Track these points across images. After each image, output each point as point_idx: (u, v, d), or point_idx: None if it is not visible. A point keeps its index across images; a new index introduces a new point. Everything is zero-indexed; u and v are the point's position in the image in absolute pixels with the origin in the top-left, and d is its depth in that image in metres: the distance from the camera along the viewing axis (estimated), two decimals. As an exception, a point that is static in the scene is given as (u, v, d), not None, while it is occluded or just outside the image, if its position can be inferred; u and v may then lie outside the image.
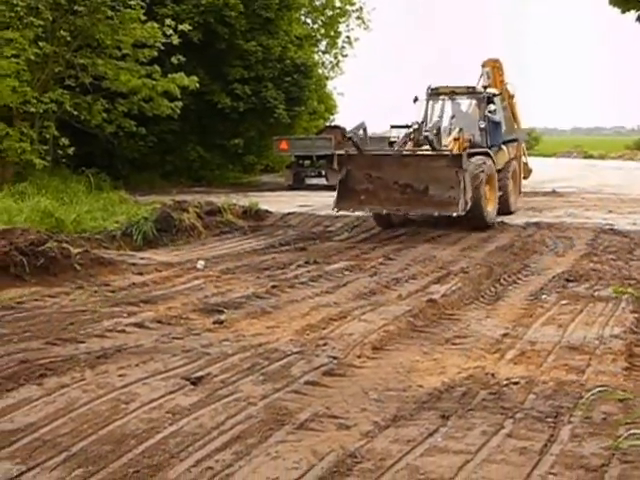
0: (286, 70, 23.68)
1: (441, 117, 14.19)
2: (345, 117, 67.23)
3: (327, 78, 31.98)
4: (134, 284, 8.38)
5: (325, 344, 5.89)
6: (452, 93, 14.36)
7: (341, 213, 13.08)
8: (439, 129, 13.43)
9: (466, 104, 14.83)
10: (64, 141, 16.68)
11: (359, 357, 5.58)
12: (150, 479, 3.62)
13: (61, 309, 7.05)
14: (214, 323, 6.56)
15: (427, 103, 14.33)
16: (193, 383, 4.95)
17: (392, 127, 15.31)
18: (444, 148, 12.55)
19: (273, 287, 8.08)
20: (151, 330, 6.34)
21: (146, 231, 11.33)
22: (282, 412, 4.44)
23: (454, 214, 11.58)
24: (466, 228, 12.48)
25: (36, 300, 7.40)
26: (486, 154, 13.43)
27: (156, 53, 17.50)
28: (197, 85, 18.30)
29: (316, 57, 30.29)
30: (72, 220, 11.12)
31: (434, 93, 14.34)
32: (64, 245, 9.05)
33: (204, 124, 23.16)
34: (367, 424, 4.29)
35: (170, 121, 20.09)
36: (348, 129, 12.98)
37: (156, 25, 17.03)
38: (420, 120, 13.81)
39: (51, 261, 8.51)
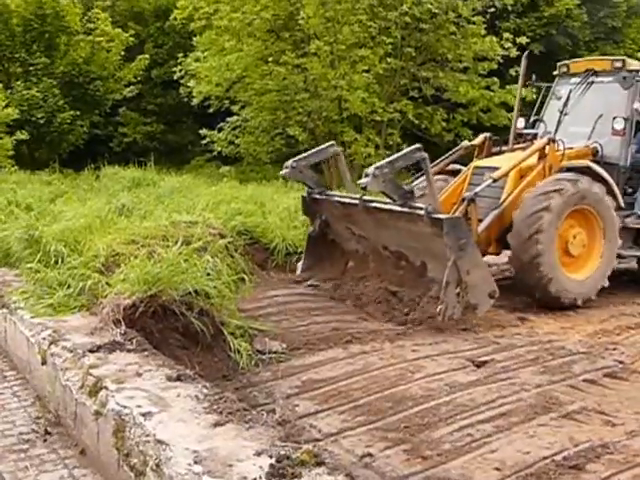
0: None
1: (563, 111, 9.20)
2: None
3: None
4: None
5: (615, 349, 5.94)
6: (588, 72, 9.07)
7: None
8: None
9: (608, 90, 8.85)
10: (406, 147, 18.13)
11: (647, 365, 5.56)
12: (417, 435, 4.16)
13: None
14: (513, 319, 6.92)
15: (551, 89, 9.76)
16: (477, 365, 5.40)
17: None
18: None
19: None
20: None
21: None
22: (552, 401, 4.70)
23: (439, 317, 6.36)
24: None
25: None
26: (588, 171, 7.81)
27: (495, 66, 18.02)
28: (534, 97, 18.45)
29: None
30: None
31: (563, 73, 9.53)
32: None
33: (540, 134, 23.12)
34: (634, 425, 4.37)
35: (507, 131, 20.45)
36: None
37: (495, 39, 17.56)
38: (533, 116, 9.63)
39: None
